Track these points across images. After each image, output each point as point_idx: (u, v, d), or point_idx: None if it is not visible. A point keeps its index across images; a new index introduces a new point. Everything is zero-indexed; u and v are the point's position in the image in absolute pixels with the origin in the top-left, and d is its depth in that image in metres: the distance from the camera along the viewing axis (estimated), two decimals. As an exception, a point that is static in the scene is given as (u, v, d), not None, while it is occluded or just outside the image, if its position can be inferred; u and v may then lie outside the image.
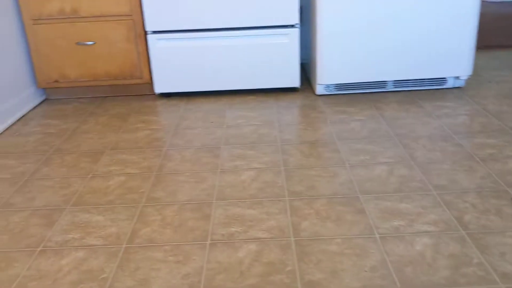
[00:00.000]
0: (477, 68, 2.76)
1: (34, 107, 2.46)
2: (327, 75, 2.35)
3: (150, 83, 2.50)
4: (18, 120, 2.29)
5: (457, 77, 2.39)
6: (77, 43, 2.40)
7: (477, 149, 1.75)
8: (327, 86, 2.39)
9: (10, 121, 2.22)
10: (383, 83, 2.39)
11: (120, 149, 1.91)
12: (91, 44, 2.40)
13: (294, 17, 2.32)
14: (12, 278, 1.18)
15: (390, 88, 2.41)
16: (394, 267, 1.16)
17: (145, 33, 2.39)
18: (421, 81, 2.39)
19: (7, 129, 2.18)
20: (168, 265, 1.20)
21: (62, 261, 1.24)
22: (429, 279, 1.11)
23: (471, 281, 1.10)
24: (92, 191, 1.59)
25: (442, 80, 2.40)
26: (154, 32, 2.36)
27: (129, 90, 2.57)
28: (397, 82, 2.39)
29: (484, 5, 3.07)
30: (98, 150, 1.90)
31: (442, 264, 1.16)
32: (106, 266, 1.21)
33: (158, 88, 2.45)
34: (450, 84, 2.41)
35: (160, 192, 1.56)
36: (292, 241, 1.27)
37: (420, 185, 1.52)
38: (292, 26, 2.34)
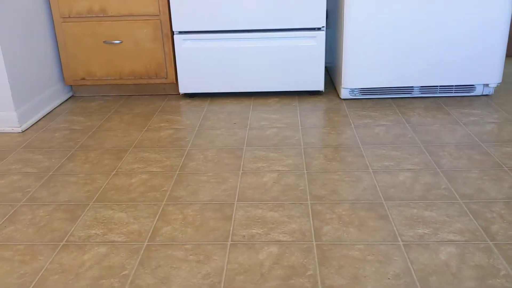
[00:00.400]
0: (506, 75, 2.70)
1: (61, 104, 2.50)
2: (352, 79, 2.33)
3: (175, 83, 2.52)
4: (45, 116, 2.33)
5: (486, 85, 2.34)
6: (104, 42, 2.43)
7: (505, 158, 1.71)
8: (352, 90, 2.37)
9: (37, 116, 2.26)
10: (409, 89, 2.36)
11: (143, 147, 1.92)
12: (118, 43, 2.43)
13: (321, 20, 2.30)
14: (36, 271, 1.20)
15: (416, 94, 2.37)
16: (418, 276, 1.13)
17: (172, 33, 2.41)
18: (449, 87, 2.35)
19: (34, 124, 2.22)
20: (189, 264, 1.20)
21: (84, 256, 1.25)
22: (454, 290, 1.08)
23: (497, 293, 1.07)
24: (115, 188, 1.60)
25: (470, 87, 2.35)
26: (181, 32, 2.37)
27: (153, 89, 2.59)
28: (423, 88, 2.35)
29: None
30: (121, 148, 1.92)
31: (468, 274, 1.13)
32: (127, 262, 1.22)
33: (183, 88, 2.47)
34: (478, 91, 2.36)
35: (182, 191, 1.56)
36: (313, 245, 1.26)
37: (446, 193, 1.49)
38: (319, 29, 2.33)
